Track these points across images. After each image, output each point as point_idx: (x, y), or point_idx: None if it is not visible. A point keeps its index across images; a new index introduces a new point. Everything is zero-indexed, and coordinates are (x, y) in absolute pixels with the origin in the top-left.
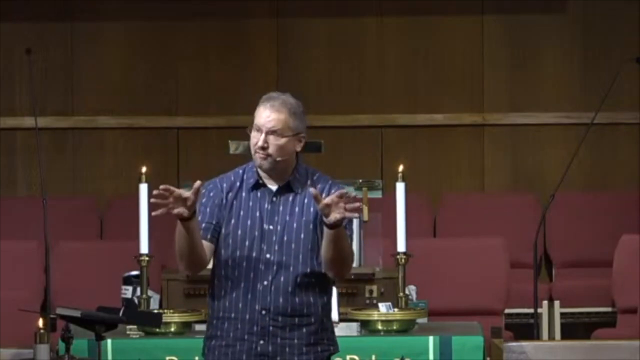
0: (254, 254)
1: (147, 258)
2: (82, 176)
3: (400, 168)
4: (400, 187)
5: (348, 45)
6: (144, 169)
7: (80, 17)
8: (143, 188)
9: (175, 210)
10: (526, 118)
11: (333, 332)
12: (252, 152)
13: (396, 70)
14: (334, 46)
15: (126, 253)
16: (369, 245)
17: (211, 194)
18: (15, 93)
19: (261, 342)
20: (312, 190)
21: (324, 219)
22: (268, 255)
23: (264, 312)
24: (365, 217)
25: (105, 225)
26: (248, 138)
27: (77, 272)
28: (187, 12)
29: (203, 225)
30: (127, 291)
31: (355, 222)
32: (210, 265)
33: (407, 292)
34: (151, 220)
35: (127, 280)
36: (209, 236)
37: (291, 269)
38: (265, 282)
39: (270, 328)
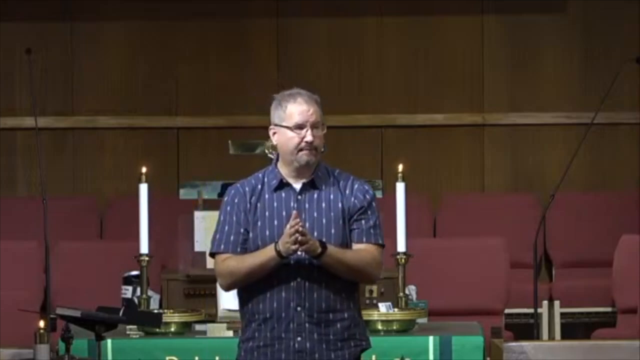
0: None
1: (147, 258)
2: (82, 176)
3: (400, 168)
4: (400, 187)
5: (348, 45)
6: (144, 169)
7: (80, 17)
8: (143, 188)
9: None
10: (526, 118)
11: (365, 327)
12: (293, 151)
13: (396, 70)
14: (334, 46)
15: (126, 253)
16: None
17: (235, 200)
18: (15, 93)
19: (298, 339)
20: None
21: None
22: (299, 252)
23: (299, 308)
24: None
25: (105, 225)
26: (247, 137)
27: (77, 272)
28: (187, 12)
29: (232, 237)
30: (127, 291)
31: None
32: None
33: (407, 292)
34: (151, 220)
35: (127, 280)
36: (238, 249)
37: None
38: (299, 279)
39: (307, 324)
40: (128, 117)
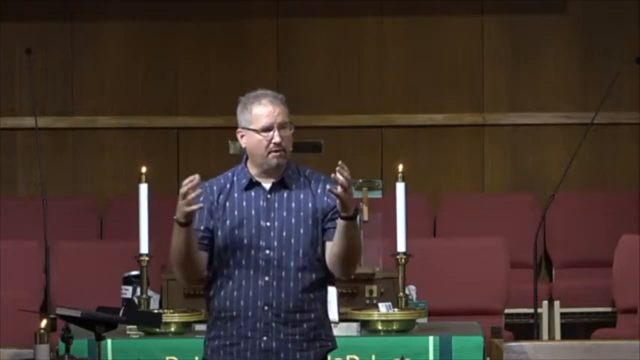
0: (252, 251)
1: (147, 258)
2: (82, 176)
3: (400, 168)
4: (400, 187)
5: (348, 45)
6: (144, 169)
7: (80, 17)
8: (143, 188)
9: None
10: (526, 118)
11: (331, 328)
12: (263, 154)
13: (396, 70)
14: (334, 46)
15: (126, 253)
16: (369, 245)
17: (201, 198)
18: (15, 93)
19: (264, 338)
20: (328, 188)
21: (341, 212)
22: (267, 252)
23: (266, 307)
24: (365, 217)
25: (105, 225)
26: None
27: (77, 272)
28: (187, 12)
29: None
30: (127, 291)
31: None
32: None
33: (407, 292)
34: (151, 220)
35: (127, 280)
36: (200, 245)
37: (292, 264)
38: (267, 278)
39: (273, 324)
40: (128, 117)
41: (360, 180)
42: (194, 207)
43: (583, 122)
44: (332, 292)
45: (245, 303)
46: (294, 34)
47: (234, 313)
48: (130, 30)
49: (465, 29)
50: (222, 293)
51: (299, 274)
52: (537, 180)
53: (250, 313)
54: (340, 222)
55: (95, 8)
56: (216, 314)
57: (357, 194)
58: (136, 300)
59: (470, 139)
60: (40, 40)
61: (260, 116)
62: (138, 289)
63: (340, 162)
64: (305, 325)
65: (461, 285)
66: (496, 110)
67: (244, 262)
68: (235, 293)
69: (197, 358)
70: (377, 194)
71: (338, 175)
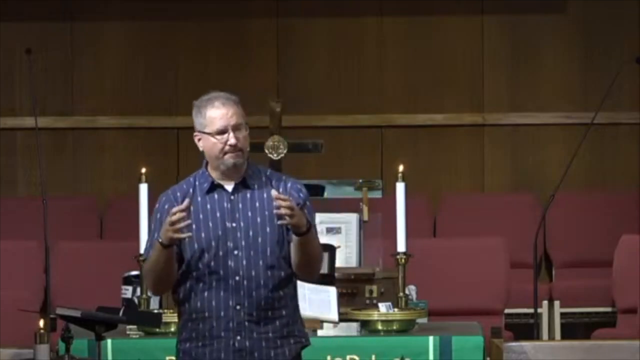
0: (221, 252)
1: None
2: (82, 176)
3: (400, 168)
4: (400, 187)
5: (348, 45)
6: (144, 169)
7: (80, 17)
8: (143, 188)
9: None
10: (526, 118)
11: (303, 324)
12: (219, 155)
13: (396, 70)
14: (334, 46)
15: (126, 253)
16: (369, 245)
17: (166, 206)
18: (15, 93)
19: (238, 337)
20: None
21: (295, 232)
22: (236, 252)
23: (238, 307)
24: (365, 217)
25: (105, 225)
26: None
27: (77, 272)
28: (187, 12)
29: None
30: (127, 291)
31: (355, 223)
32: None
33: (407, 292)
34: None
35: (127, 280)
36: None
37: (260, 262)
38: (237, 278)
39: (246, 323)
40: (128, 117)
41: (360, 180)
42: (182, 235)
43: (583, 122)
44: (332, 292)
45: (217, 303)
46: (294, 34)
47: (206, 314)
48: (130, 30)
49: (465, 29)
50: (193, 295)
51: (269, 272)
52: (537, 180)
53: (222, 313)
54: (294, 237)
55: (95, 8)
56: (187, 316)
57: (357, 194)
58: (136, 300)
59: (470, 139)
60: (40, 40)
61: (214, 119)
62: (138, 289)
63: (273, 193)
64: (277, 323)
65: (461, 285)
66: (496, 110)
67: (212, 263)
68: (206, 294)
69: None
70: (377, 194)
71: (280, 210)
